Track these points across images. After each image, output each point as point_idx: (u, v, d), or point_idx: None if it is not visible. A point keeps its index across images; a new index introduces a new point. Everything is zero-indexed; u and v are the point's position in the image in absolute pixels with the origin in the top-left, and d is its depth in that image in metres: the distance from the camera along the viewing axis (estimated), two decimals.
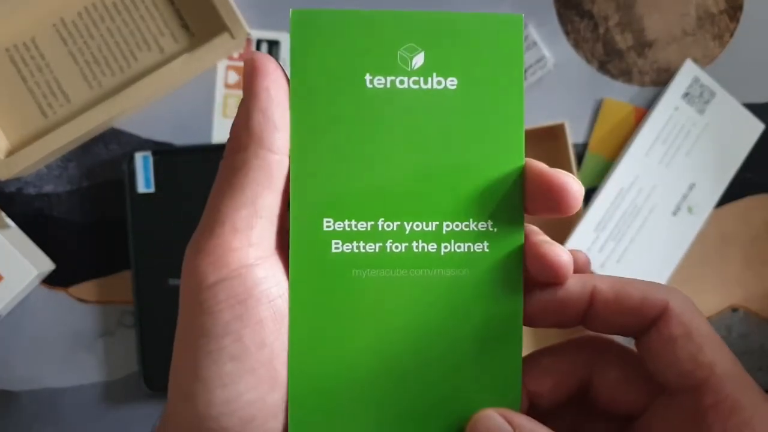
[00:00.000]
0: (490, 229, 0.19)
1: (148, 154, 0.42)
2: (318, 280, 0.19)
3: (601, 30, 0.44)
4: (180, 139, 0.43)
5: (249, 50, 0.19)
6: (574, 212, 0.19)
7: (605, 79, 0.45)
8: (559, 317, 0.20)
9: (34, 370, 0.43)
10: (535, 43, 0.44)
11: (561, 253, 0.19)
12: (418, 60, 0.19)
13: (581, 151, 0.44)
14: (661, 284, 0.19)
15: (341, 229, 0.19)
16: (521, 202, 0.19)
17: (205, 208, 0.19)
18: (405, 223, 0.19)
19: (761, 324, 0.45)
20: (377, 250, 0.19)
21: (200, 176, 0.43)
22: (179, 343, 0.19)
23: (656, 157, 0.43)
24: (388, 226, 0.19)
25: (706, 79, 0.44)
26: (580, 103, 0.44)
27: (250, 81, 0.19)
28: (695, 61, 0.44)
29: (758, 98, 0.45)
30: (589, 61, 0.44)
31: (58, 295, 0.43)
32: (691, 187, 0.44)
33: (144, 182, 0.42)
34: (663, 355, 0.19)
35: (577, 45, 0.44)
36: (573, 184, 0.19)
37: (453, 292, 0.19)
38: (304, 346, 0.19)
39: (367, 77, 0.19)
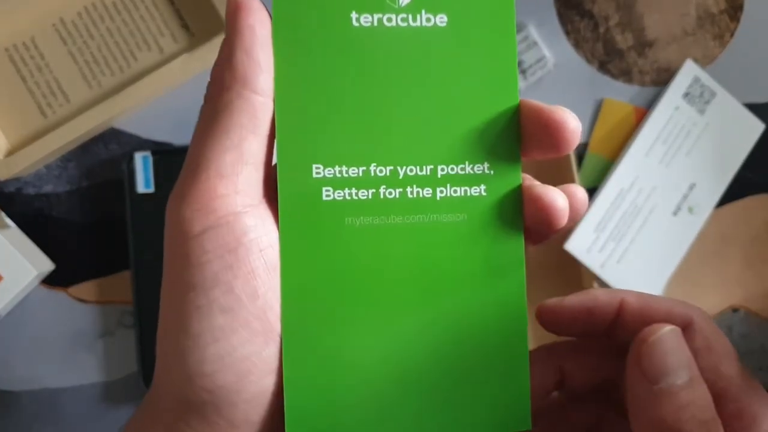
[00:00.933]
0: (487, 171, 0.19)
1: (148, 154, 0.42)
2: (309, 230, 0.18)
3: (602, 30, 0.44)
4: (180, 138, 0.43)
5: None
6: (571, 150, 0.18)
7: (605, 79, 0.45)
8: (587, 326, 0.20)
9: (34, 370, 0.43)
10: (535, 43, 0.44)
11: (557, 197, 0.18)
12: None
13: (581, 151, 0.44)
14: (684, 301, 0.20)
15: (332, 175, 0.18)
16: (518, 143, 0.19)
17: (187, 154, 0.18)
18: (398, 167, 0.18)
19: (761, 324, 0.45)
20: (370, 196, 0.18)
21: None
22: (165, 301, 0.18)
23: (656, 157, 0.43)
24: (381, 171, 0.18)
25: (706, 79, 0.44)
26: (580, 103, 0.44)
27: (233, 19, 0.18)
28: (695, 60, 0.44)
29: (758, 98, 0.45)
30: (589, 61, 0.44)
31: (58, 295, 0.43)
32: (692, 187, 0.44)
33: (144, 182, 0.42)
34: None
35: (577, 45, 0.44)
36: (571, 120, 0.18)
37: (451, 239, 0.19)
38: (297, 299, 0.18)
39: (353, 15, 0.18)
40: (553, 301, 0.21)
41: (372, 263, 0.18)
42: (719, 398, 0.18)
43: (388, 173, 0.18)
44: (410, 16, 0.18)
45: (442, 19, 0.18)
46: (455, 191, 0.19)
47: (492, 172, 0.19)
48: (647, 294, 0.20)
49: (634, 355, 0.18)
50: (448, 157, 0.18)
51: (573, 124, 0.18)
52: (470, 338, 0.19)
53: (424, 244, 0.18)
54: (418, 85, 0.18)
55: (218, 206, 0.17)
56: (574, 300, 0.20)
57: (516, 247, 0.19)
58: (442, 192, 0.19)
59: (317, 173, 0.18)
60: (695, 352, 0.19)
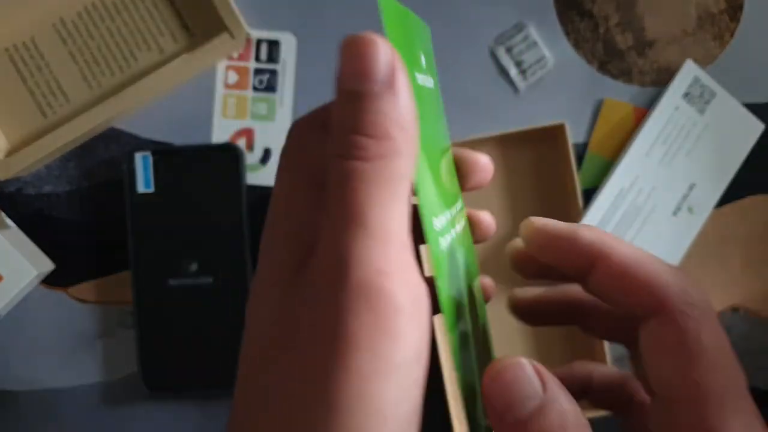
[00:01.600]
0: (461, 204, 0.22)
1: (148, 154, 0.42)
2: (449, 279, 0.19)
3: (602, 30, 0.44)
4: (180, 139, 0.43)
5: (362, 36, 0.16)
6: (488, 179, 0.22)
7: (605, 79, 0.45)
8: (562, 257, 0.20)
9: (34, 370, 0.43)
10: (535, 43, 0.44)
11: (480, 157, 0.22)
12: (423, 59, 0.20)
13: (581, 151, 0.44)
14: (673, 269, 0.18)
15: (438, 227, 0.19)
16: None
17: (354, 213, 0.16)
18: (455, 207, 0.21)
19: (761, 324, 0.45)
20: (454, 236, 0.20)
21: (200, 176, 0.43)
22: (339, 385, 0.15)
23: (656, 157, 0.43)
24: (451, 213, 0.20)
25: (706, 79, 0.44)
26: (580, 103, 0.44)
27: (393, 71, 0.16)
28: (695, 61, 0.44)
29: (758, 98, 0.45)
30: (589, 61, 0.44)
31: (58, 296, 0.43)
32: (692, 187, 0.44)
33: (143, 182, 0.42)
34: (654, 362, 0.18)
35: (577, 45, 0.44)
36: (482, 158, 0.22)
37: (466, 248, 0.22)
38: (457, 342, 0.19)
39: (417, 74, 0.19)
40: (541, 220, 0.21)
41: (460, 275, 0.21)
42: (677, 405, 0.17)
43: (455, 212, 0.21)
44: (427, 78, 0.20)
45: (430, 82, 0.21)
46: (461, 221, 0.22)
47: (460, 206, 0.22)
48: (636, 254, 0.19)
49: (483, 394, 0.17)
50: (456, 195, 0.22)
51: (484, 160, 0.22)
52: None
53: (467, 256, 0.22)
54: (439, 135, 0.21)
55: (411, 276, 0.16)
56: (558, 227, 0.20)
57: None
58: (460, 222, 0.22)
59: (436, 225, 0.19)
60: (667, 349, 0.18)
